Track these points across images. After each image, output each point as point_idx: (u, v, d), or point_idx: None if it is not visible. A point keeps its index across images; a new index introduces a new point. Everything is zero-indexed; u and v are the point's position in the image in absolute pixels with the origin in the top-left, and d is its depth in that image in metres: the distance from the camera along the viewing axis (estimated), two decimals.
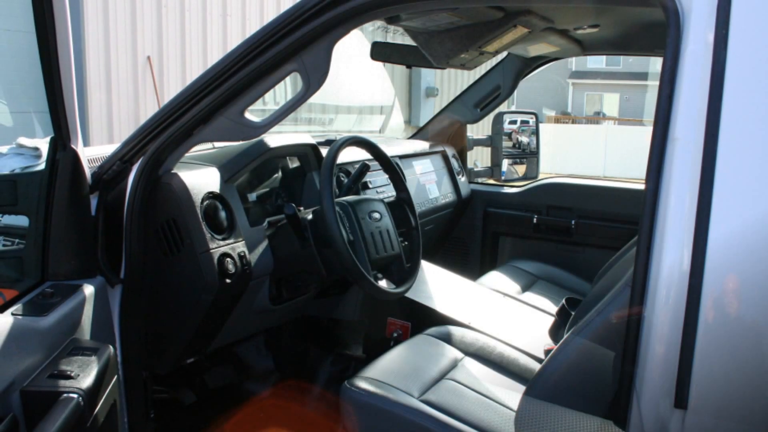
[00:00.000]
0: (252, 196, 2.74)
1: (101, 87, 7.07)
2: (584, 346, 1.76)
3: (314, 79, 1.96)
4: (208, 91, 1.98)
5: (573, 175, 4.57)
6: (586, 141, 22.52)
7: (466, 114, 4.18)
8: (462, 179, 4.17)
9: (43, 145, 2.15)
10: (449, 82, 13.55)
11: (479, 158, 4.67)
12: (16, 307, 1.73)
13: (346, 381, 2.30)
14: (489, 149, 4.30)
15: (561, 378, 1.82)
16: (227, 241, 2.33)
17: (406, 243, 2.82)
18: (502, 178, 4.24)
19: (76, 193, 1.91)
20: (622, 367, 1.45)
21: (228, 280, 2.29)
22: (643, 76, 31.04)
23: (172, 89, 7.59)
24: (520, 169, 4.32)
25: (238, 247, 2.37)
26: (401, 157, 3.69)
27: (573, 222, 3.90)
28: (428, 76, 12.66)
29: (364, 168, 2.91)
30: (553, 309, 3.07)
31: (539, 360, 2.67)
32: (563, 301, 2.76)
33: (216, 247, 2.28)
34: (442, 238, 4.23)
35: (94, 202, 2.03)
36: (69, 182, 1.89)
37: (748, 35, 1.29)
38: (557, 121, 29.73)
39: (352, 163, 3.13)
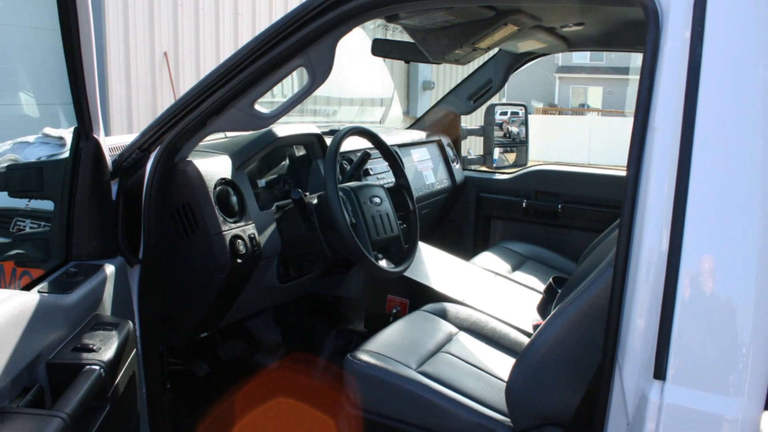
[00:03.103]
0: (261, 182, 2.73)
1: (121, 80, 7.05)
2: (570, 321, 1.76)
3: (319, 73, 1.95)
4: (221, 85, 1.98)
5: (559, 163, 4.56)
6: (572, 131, 22.47)
7: (461, 106, 4.17)
8: (456, 166, 4.16)
9: (67, 134, 2.15)
10: (444, 76, 13.52)
11: (472, 147, 4.65)
12: (43, 285, 1.73)
13: (349, 354, 2.31)
14: (482, 139, 4.29)
15: (548, 351, 1.82)
16: (238, 224, 2.33)
17: (405, 226, 2.81)
18: (494, 165, 4.24)
19: (97, 179, 1.91)
20: (605, 340, 1.45)
21: (239, 260, 2.29)
22: (625, 70, 30.94)
23: (187, 83, 7.57)
24: (511, 157, 4.31)
25: (249, 229, 2.37)
26: (400, 145, 3.68)
27: (559, 206, 3.90)
28: (425, 70, 12.62)
29: (366, 156, 2.90)
30: (541, 287, 3.07)
31: (528, 334, 2.67)
32: (550, 279, 2.75)
33: (228, 230, 2.27)
34: (438, 221, 4.23)
35: (114, 187, 2.03)
36: (91, 169, 1.89)
37: (722, 32, 1.29)
38: (545, 112, 29.65)
39: (354, 152, 3.12)
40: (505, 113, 4.28)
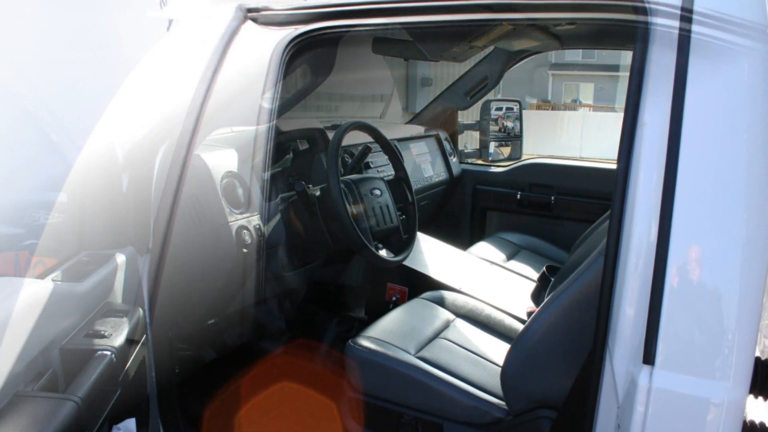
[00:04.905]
0: (266, 175, 2.73)
1: None
2: (562, 308, 1.76)
3: (322, 71, 1.95)
4: None
5: (553, 156, 4.56)
6: (565, 126, 22.42)
7: (458, 102, 4.16)
8: (453, 160, 4.16)
9: None
10: (442, 74, 13.48)
11: (469, 141, 4.64)
12: (56, 274, 1.72)
13: (350, 340, 2.31)
14: (478, 133, 4.29)
15: (542, 337, 1.82)
16: (244, 215, 2.33)
17: (404, 217, 2.81)
18: (490, 158, 4.23)
19: (109, 171, 1.91)
20: (596, 327, 1.45)
21: (245, 250, 2.28)
22: (615, 67, 30.82)
23: None
24: (506, 151, 4.30)
25: (254, 220, 2.37)
26: (399, 140, 3.67)
27: (552, 198, 3.90)
28: (423, 68, 12.59)
29: (366, 150, 2.90)
30: (535, 275, 3.07)
31: (522, 321, 2.68)
32: (544, 268, 2.76)
33: (234, 220, 2.27)
34: (436, 213, 4.22)
35: (125, 180, 2.02)
36: (104, 162, 1.88)
37: (708, 32, 1.29)
38: (538, 107, 29.57)
39: (355, 146, 3.12)
40: (500, 109, 4.27)
